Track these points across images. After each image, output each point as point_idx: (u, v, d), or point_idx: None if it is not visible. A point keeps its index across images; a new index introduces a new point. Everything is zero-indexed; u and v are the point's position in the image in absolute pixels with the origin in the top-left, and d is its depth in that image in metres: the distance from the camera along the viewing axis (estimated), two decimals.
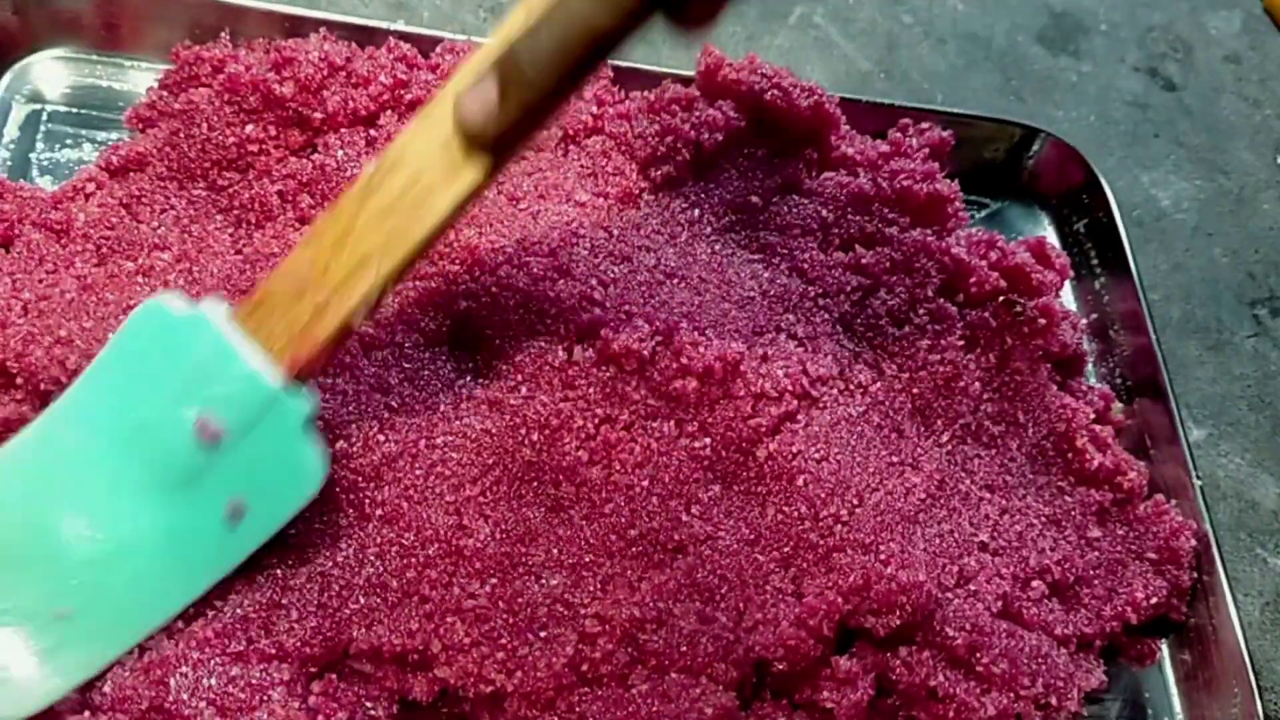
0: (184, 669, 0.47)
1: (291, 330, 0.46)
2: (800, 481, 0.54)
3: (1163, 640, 0.60)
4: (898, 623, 0.51)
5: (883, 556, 0.52)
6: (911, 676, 0.52)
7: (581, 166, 0.62)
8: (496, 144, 0.44)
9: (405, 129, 0.45)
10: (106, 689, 0.46)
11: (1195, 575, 0.59)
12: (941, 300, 0.61)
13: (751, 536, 0.53)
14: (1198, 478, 0.61)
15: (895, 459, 0.57)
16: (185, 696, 0.46)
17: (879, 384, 0.59)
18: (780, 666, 0.51)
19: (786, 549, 0.53)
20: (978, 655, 0.52)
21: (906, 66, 0.83)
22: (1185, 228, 0.79)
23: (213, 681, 0.47)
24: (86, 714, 0.46)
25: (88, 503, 0.47)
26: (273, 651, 0.48)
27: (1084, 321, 0.68)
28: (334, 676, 0.49)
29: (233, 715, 0.47)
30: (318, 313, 0.45)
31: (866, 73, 0.82)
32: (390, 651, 0.48)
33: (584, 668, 0.49)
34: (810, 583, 0.52)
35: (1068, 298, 0.71)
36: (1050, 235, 0.74)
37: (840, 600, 0.51)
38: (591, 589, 0.50)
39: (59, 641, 0.46)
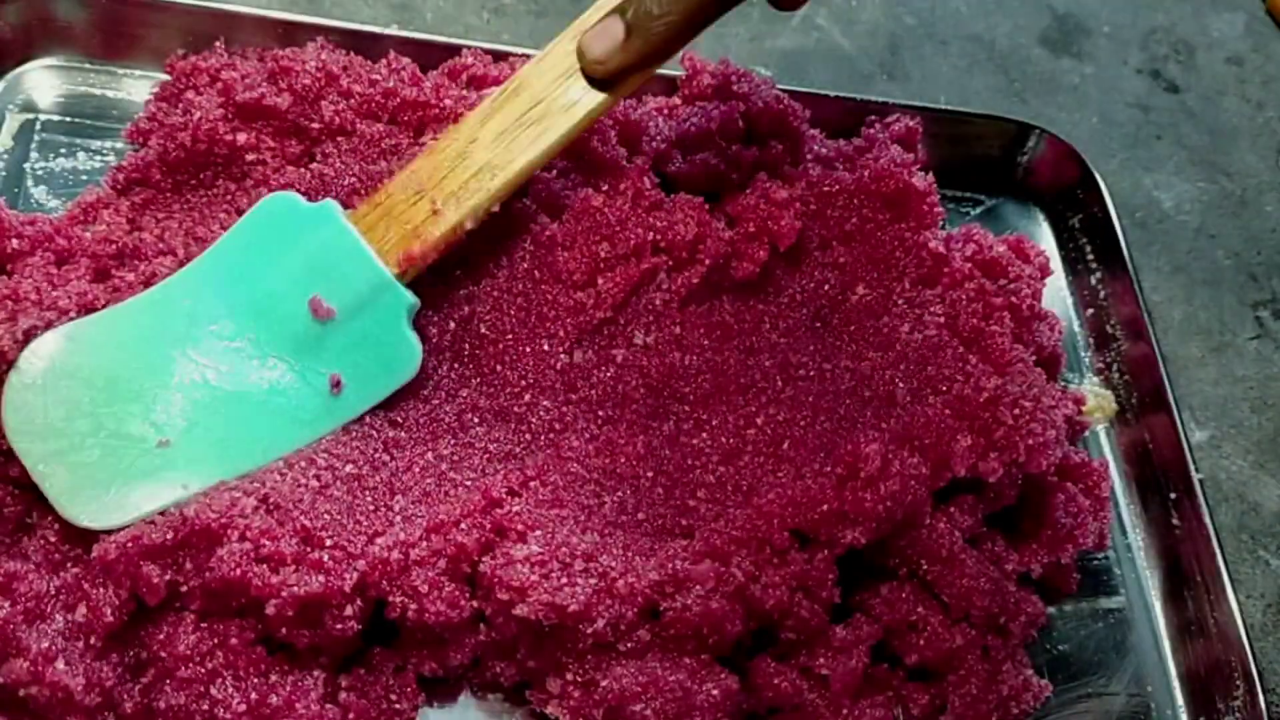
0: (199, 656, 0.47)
1: (404, 229, 0.52)
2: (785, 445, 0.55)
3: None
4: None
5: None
6: (893, 613, 0.52)
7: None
8: (612, 78, 0.52)
9: (530, 61, 0.53)
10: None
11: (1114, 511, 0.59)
12: (922, 288, 0.59)
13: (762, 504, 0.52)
14: (1199, 479, 0.61)
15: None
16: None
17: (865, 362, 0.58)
18: (790, 635, 0.51)
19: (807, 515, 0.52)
20: (948, 584, 0.53)
21: (909, 68, 0.83)
22: (1187, 229, 0.79)
23: (231, 675, 0.47)
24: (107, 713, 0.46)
25: (203, 352, 0.52)
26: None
27: (1063, 324, 0.65)
28: (361, 671, 0.49)
29: (256, 709, 0.46)
30: (432, 214, 0.52)
31: (869, 74, 0.82)
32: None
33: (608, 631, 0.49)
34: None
35: (1065, 293, 0.72)
36: (1046, 231, 0.74)
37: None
38: (615, 552, 0.51)
39: (157, 467, 0.49)
